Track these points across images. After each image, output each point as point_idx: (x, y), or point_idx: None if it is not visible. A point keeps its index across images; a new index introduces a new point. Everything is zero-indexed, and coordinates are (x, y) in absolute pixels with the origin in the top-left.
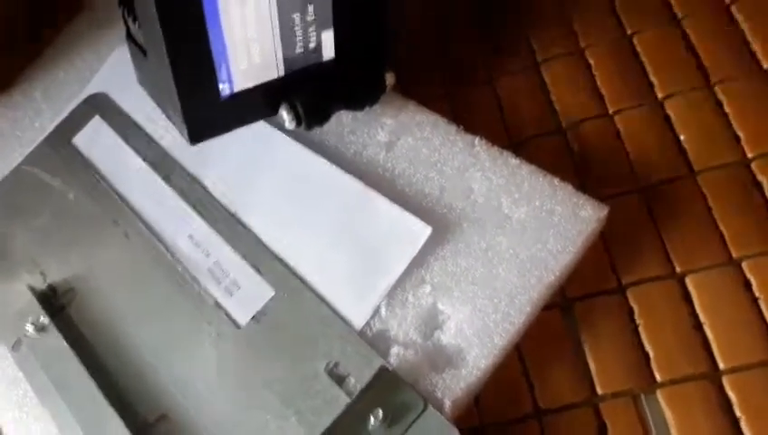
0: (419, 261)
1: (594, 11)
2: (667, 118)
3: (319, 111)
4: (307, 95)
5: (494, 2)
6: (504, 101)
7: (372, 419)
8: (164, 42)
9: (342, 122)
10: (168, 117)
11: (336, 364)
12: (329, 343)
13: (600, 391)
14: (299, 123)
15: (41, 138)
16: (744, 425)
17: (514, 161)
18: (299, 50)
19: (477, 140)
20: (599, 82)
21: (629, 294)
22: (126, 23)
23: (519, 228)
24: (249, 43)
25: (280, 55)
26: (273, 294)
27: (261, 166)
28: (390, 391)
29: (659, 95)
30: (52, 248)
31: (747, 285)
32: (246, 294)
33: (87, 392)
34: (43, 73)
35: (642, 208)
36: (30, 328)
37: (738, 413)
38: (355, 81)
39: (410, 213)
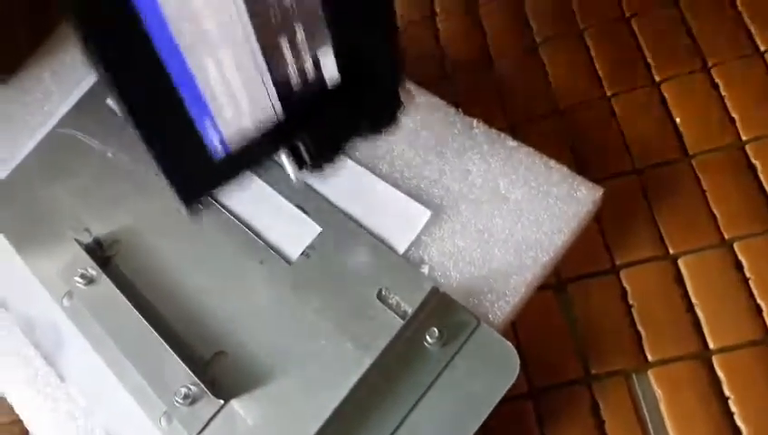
0: (418, 242)
1: None
2: (664, 101)
3: (327, 146)
4: (312, 131)
5: None
6: (503, 83)
7: (428, 337)
8: (135, 127)
9: None
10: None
11: (387, 290)
12: (378, 272)
13: (593, 370)
14: (302, 166)
15: (50, 122)
16: (732, 404)
17: (512, 144)
18: (295, 80)
19: (476, 122)
20: (596, 65)
21: (623, 276)
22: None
23: (515, 209)
24: (235, 94)
25: (274, 95)
26: (320, 230)
27: None
28: (443, 310)
29: (657, 78)
30: (95, 205)
31: (738, 265)
32: (295, 233)
33: (143, 336)
34: (51, 58)
35: (637, 191)
36: (80, 281)
37: (727, 392)
38: (367, 102)
39: (409, 195)
